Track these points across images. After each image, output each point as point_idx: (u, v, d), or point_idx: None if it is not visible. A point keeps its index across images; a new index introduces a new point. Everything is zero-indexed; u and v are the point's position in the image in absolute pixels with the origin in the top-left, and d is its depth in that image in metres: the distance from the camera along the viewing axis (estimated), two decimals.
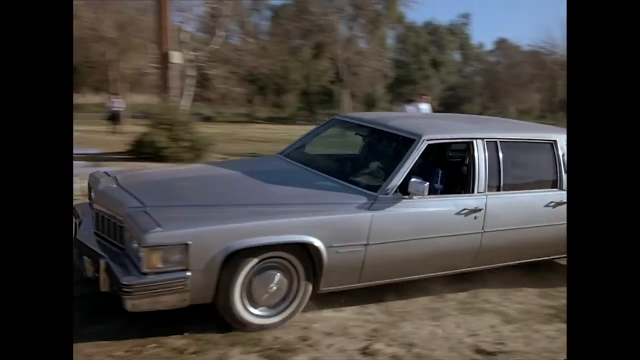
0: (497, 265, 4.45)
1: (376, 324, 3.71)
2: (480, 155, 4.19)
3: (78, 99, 32.29)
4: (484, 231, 4.12)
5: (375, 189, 3.82)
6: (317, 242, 3.47)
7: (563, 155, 4.52)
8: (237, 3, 27.96)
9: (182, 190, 3.90)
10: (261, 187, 3.95)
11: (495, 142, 4.29)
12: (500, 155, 4.27)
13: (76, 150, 5.45)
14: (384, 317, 3.85)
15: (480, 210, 4.06)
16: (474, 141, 4.21)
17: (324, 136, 4.89)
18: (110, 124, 18.26)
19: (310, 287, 3.62)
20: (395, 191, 3.81)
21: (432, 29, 40.82)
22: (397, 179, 3.83)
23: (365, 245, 3.65)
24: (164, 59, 10.68)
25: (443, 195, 4.12)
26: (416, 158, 3.95)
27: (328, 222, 3.56)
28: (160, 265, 3.10)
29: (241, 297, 3.40)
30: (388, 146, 4.38)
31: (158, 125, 11.09)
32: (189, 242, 3.12)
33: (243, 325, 3.44)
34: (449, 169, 4.39)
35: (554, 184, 4.50)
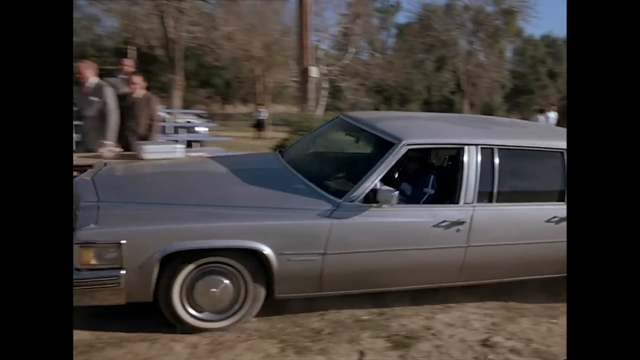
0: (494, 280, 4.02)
1: (495, 319, 3.78)
2: (470, 163, 3.80)
3: (229, 109, 36.10)
4: (469, 245, 3.73)
5: (341, 195, 3.59)
6: (265, 249, 3.33)
7: None
8: (367, 22, 30.25)
9: (147, 187, 3.91)
10: (227, 187, 3.89)
11: (492, 149, 3.87)
12: (497, 163, 3.85)
13: (227, 153, 6.56)
14: (503, 312, 3.92)
15: (463, 222, 3.68)
16: (465, 147, 3.83)
17: (328, 135, 4.71)
18: (256, 131, 21.62)
19: (263, 293, 3.49)
20: (364, 199, 3.55)
21: (549, 42, 40.81)
22: (366, 186, 3.58)
23: (323, 254, 3.45)
24: (304, 73, 11.76)
25: (419, 205, 3.78)
26: (392, 163, 3.67)
27: (279, 229, 3.41)
28: (94, 262, 3.13)
29: (181, 300, 3.35)
30: (370, 149, 4.13)
31: (297, 131, 11.79)
32: (122, 241, 3.13)
33: (185, 326, 3.39)
34: (441, 177, 4.02)
35: (561, 197, 3.96)
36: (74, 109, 5.41)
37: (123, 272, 3.16)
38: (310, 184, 3.78)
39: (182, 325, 3.39)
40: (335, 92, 29.54)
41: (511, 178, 3.96)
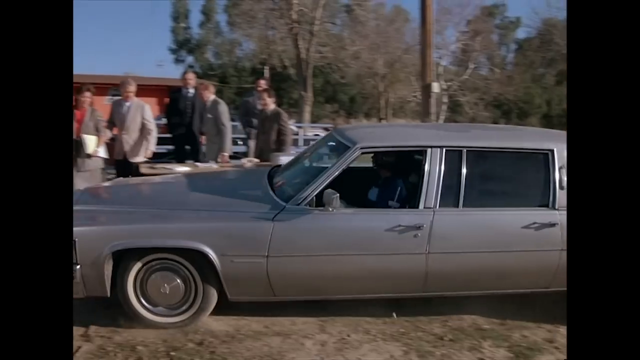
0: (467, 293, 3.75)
1: None
2: (432, 166, 3.61)
3: (353, 123, 37.41)
4: (429, 253, 3.53)
5: (289, 198, 3.61)
6: (207, 250, 3.44)
7: (561, 168, 3.59)
8: (487, 39, 30.41)
9: (126, 193, 4.24)
10: (194, 192, 4.09)
11: (460, 151, 3.64)
12: (464, 166, 3.61)
13: None
14: None
15: (421, 227, 3.50)
16: (427, 150, 3.64)
17: (318, 148, 4.70)
18: None
19: (214, 293, 3.59)
20: (315, 203, 3.53)
21: None
22: (313, 188, 3.55)
23: (266, 256, 3.48)
24: (426, 89, 11.82)
25: (370, 209, 3.65)
26: (343, 167, 3.61)
27: (220, 230, 3.50)
28: None
29: (136, 295, 3.57)
30: (336, 157, 4.06)
31: None
32: (75, 239, 3.43)
33: (141, 321, 3.60)
34: (404, 182, 3.86)
35: (544, 202, 3.59)
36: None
37: (78, 267, 3.44)
38: (268, 190, 3.83)
39: (137, 320, 3.60)
40: (454, 107, 29.78)
41: (483, 182, 3.68)
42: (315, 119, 27.23)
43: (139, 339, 3.45)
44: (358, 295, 3.72)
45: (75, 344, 3.35)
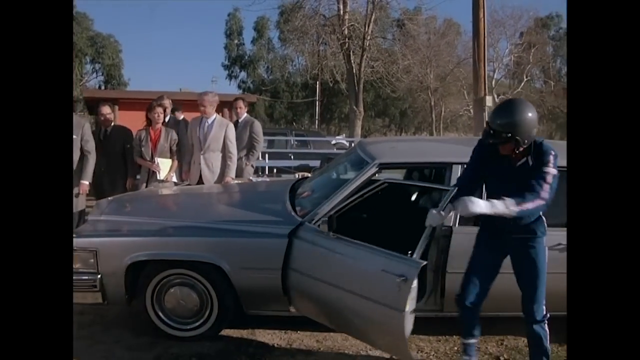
0: None
1: None
2: (453, 182, 3.51)
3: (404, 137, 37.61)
4: (448, 272, 3.42)
5: (306, 214, 3.58)
6: (222, 264, 3.46)
7: None
8: (541, 51, 29.93)
9: (150, 205, 4.30)
10: (211, 206, 4.11)
11: None
12: None
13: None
14: None
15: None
16: (449, 166, 3.55)
17: (344, 160, 4.64)
18: None
19: (231, 307, 3.59)
20: (325, 221, 3.43)
21: None
22: (328, 205, 3.50)
23: (281, 271, 3.45)
24: (479, 103, 11.71)
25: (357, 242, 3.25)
26: (358, 183, 3.55)
27: (235, 245, 3.51)
28: (78, 266, 3.56)
29: (153, 306, 3.62)
30: (352, 170, 4.00)
31: None
32: (97, 249, 3.52)
33: (159, 332, 3.64)
34: (424, 197, 3.77)
35: None
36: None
37: (99, 276, 3.52)
38: (286, 204, 3.81)
39: (155, 331, 3.64)
40: None
41: None
42: (366, 134, 27.24)
43: (194, 350, 3.50)
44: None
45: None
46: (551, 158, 2.71)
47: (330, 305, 3.23)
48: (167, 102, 5.67)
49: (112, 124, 5.57)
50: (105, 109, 5.45)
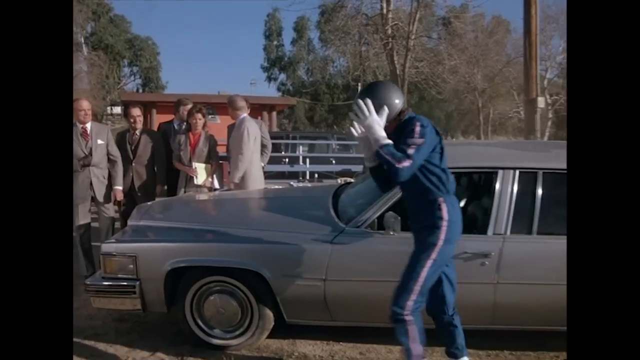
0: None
1: None
2: (503, 189, 3.47)
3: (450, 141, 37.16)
4: (498, 282, 3.38)
5: (350, 219, 3.59)
6: (263, 271, 3.50)
7: None
8: None
9: (188, 210, 4.38)
10: (252, 211, 4.15)
11: (535, 173, 3.49)
12: (539, 189, 3.46)
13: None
14: None
15: (489, 255, 3.36)
16: (498, 171, 3.51)
17: None
18: None
19: (271, 316, 3.63)
20: (372, 224, 3.50)
21: None
22: (373, 211, 3.53)
23: (324, 280, 3.48)
24: (530, 104, 11.61)
25: None
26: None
27: (276, 251, 3.54)
28: (116, 272, 3.65)
29: (193, 316, 3.68)
30: None
31: None
32: (136, 255, 3.61)
33: (197, 342, 3.69)
34: (472, 204, 3.72)
35: None
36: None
37: (138, 282, 3.60)
38: (329, 210, 3.82)
39: (194, 340, 3.70)
40: (560, 123, 28.68)
41: (561, 207, 3.46)
42: None
43: None
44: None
45: None
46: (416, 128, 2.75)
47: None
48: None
49: (142, 127, 5.68)
50: (136, 111, 5.56)
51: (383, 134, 2.76)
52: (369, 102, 2.80)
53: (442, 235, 2.84)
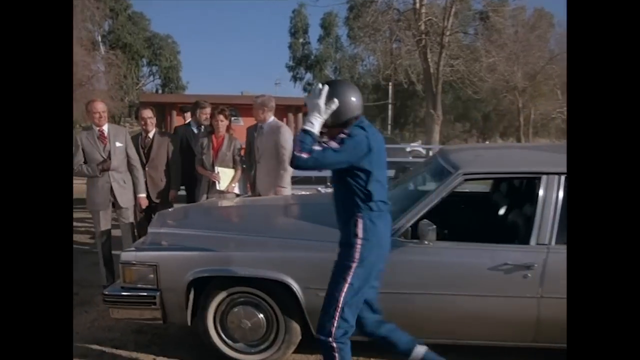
0: None
1: None
2: (547, 196, 3.45)
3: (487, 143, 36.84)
4: (542, 296, 3.36)
5: None
6: (290, 281, 3.53)
7: None
8: None
9: (208, 217, 4.45)
10: (277, 219, 4.18)
11: None
12: None
13: None
14: None
15: (532, 267, 3.35)
16: (542, 177, 3.49)
17: (423, 169, 4.63)
18: None
19: (297, 329, 3.66)
20: (405, 233, 3.52)
21: None
22: (407, 219, 3.53)
23: None
24: None
25: (473, 244, 3.53)
26: (442, 195, 3.55)
27: (304, 261, 3.57)
28: (136, 282, 3.72)
29: (216, 328, 3.72)
30: (437, 181, 3.99)
31: None
32: (157, 264, 3.67)
33: (220, 356, 3.74)
34: (513, 212, 3.71)
35: None
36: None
37: (159, 292, 3.66)
38: None
39: (217, 354, 3.74)
40: None
41: None
42: (444, 140, 26.85)
43: None
44: (454, 340, 3.61)
45: None
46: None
47: (430, 314, 3.46)
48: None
49: (155, 129, 5.74)
50: (147, 112, 5.62)
51: (314, 121, 2.80)
52: (326, 89, 2.83)
53: (357, 255, 2.88)
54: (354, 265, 2.88)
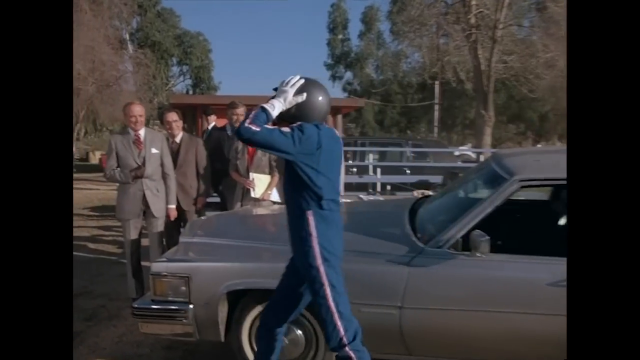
0: None
1: None
2: None
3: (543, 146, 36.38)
4: None
5: (430, 238, 3.58)
6: None
7: None
8: None
9: (242, 226, 4.48)
10: None
11: None
12: None
13: None
14: None
15: None
16: None
17: (474, 175, 4.58)
18: None
19: None
20: (455, 244, 3.49)
21: None
22: (458, 229, 3.50)
23: (399, 307, 3.48)
24: None
25: (531, 257, 3.47)
26: (496, 203, 3.51)
27: (345, 274, 3.52)
28: (167, 294, 3.76)
29: (251, 344, 3.75)
30: (490, 188, 3.94)
31: None
32: (189, 275, 3.71)
33: None
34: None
35: None
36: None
37: (191, 306, 3.70)
38: (406, 228, 3.82)
39: None
40: None
41: None
42: (496, 143, 26.51)
43: None
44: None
45: None
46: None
47: (482, 333, 3.41)
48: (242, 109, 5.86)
49: (182, 133, 5.81)
50: (172, 116, 5.73)
51: (276, 104, 2.98)
52: (301, 81, 3.08)
53: (317, 254, 3.03)
54: (321, 267, 3.05)
